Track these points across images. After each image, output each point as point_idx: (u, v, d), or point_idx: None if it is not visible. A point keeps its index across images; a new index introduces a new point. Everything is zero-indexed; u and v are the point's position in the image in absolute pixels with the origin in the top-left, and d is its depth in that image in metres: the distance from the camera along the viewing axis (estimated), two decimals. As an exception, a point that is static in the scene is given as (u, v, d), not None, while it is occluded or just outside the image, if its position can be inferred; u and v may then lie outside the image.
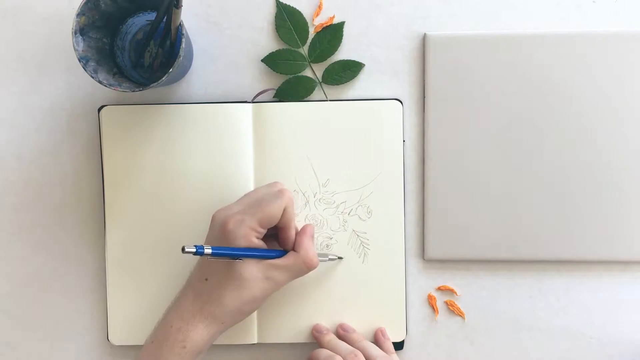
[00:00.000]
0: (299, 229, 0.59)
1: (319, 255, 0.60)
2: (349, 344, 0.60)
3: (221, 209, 0.57)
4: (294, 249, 0.57)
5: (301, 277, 0.58)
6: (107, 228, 0.63)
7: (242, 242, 0.54)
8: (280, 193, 0.56)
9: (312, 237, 0.59)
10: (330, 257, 0.62)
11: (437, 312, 0.64)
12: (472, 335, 0.64)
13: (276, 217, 0.56)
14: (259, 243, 0.56)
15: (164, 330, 0.55)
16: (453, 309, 0.64)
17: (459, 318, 0.64)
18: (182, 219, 0.63)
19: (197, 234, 0.61)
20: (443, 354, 0.65)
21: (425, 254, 0.64)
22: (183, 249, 0.51)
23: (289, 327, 0.63)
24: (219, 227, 0.56)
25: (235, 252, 0.54)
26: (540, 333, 0.64)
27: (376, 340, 0.62)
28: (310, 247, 0.57)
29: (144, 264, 0.63)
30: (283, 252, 0.57)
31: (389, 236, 0.63)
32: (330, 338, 0.61)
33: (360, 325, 0.63)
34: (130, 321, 0.63)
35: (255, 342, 0.63)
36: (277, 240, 0.59)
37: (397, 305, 0.63)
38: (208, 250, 0.52)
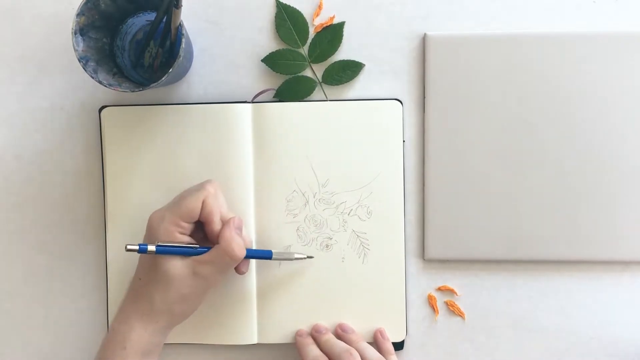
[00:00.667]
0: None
1: (282, 254, 0.60)
2: (347, 344, 0.60)
3: (155, 210, 0.57)
4: (218, 242, 0.57)
5: (230, 271, 0.58)
6: (107, 228, 0.63)
7: (164, 238, 0.55)
8: (200, 186, 0.56)
9: (239, 228, 0.57)
10: (296, 255, 0.61)
11: (437, 312, 0.64)
12: (472, 335, 0.64)
13: (195, 211, 0.55)
14: (184, 239, 0.56)
15: (108, 333, 0.57)
16: (453, 309, 0.64)
17: (459, 318, 0.64)
18: (182, 219, 0.63)
19: (197, 234, 0.61)
20: (443, 354, 0.65)
21: (425, 254, 0.64)
22: (126, 248, 0.53)
23: (289, 327, 0.63)
24: (148, 227, 0.57)
25: (162, 248, 0.54)
26: (540, 333, 0.64)
27: (375, 341, 0.62)
28: (233, 238, 0.55)
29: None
30: (204, 248, 0.57)
31: (389, 236, 0.63)
32: (328, 337, 0.61)
33: (360, 325, 0.63)
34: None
35: (255, 342, 0.63)
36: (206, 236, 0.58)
37: (397, 306, 0.63)
38: (133, 247, 0.54)
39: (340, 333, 0.62)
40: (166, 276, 0.55)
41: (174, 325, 0.57)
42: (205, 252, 0.56)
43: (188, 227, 0.56)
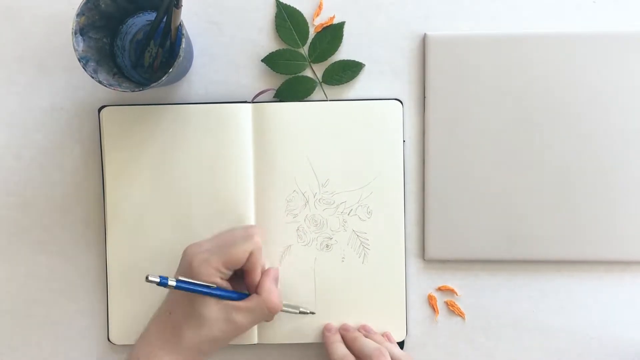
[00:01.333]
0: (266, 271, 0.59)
1: (289, 306, 0.61)
2: None
3: (193, 245, 0.57)
4: (256, 292, 0.57)
5: (266, 320, 0.58)
6: (107, 227, 0.63)
7: (205, 281, 0.55)
8: (249, 237, 0.56)
9: (276, 280, 0.60)
10: (301, 309, 0.62)
11: (437, 312, 0.64)
12: (472, 335, 0.64)
13: (241, 261, 0.56)
14: (223, 284, 0.56)
15: None
16: (453, 309, 0.64)
17: (459, 318, 0.64)
18: (182, 218, 0.63)
19: (197, 233, 0.61)
20: (443, 354, 0.65)
21: (425, 254, 0.64)
22: (147, 278, 0.51)
23: (289, 327, 0.63)
24: (185, 263, 0.56)
25: (199, 288, 0.54)
26: (540, 333, 0.64)
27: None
28: (273, 290, 0.57)
29: (145, 262, 0.63)
30: (246, 295, 0.57)
31: (389, 236, 0.63)
32: (357, 335, 0.61)
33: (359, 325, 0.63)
34: (131, 320, 0.63)
35: (256, 342, 0.63)
36: (244, 283, 0.58)
37: (397, 306, 0.63)
38: (172, 283, 0.53)
39: (365, 334, 0.62)
40: (201, 316, 0.55)
41: None
42: (240, 298, 0.56)
43: (229, 274, 0.56)
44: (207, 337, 0.55)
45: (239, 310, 0.56)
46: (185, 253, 0.57)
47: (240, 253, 0.55)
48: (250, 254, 0.56)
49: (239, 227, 0.59)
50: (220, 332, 0.55)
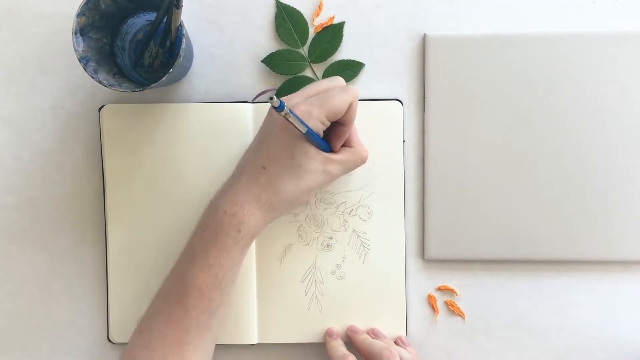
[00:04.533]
0: None
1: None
2: None
3: (284, 98, 0.55)
4: (346, 144, 0.57)
5: None
6: (107, 227, 0.63)
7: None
8: (347, 88, 0.55)
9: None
10: None
11: (437, 312, 0.64)
12: (472, 335, 0.64)
13: (342, 112, 0.54)
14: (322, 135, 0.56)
15: (217, 216, 0.54)
16: (453, 309, 0.64)
17: (459, 318, 0.64)
18: (182, 218, 0.63)
19: (197, 234, 0.61)
20: (443, 354, 0.65)
21: (425, 254, 0.64)
22: (271, 98, 0.48)
23: (289, 327, 0.63)
24: (284, 118, 0.53)
25: (309, 128, 0.53)
26: (540, 333, 0.64)
27: None
28: (361, 142, 0.58)
29: (145, 262, 0.63)
30: (329, 146, 0.57)
31: (389, 236, 0.63)
32: (364, 337, 0.61)
33: (360, 325, 0.63)
34: (131, 319, 0.63)
35: (256, 342, 0.63)
36: (329, 135, 0.57)
37: (397, 305, 0.63)
38: (287, 109, 0.50)
39: (373, 337, 0.62)
40: (300, 169, 0.54)
41: (287, 213, 0.58)
42: (328, 149, 0.56)
43: (328, 124, 0.55)
44: (305, 187, 0.55)
45: (336, 162, 0.56)
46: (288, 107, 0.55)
47: (341, 104, 0.54)
48: (350, 106, 0.55)
49: (324, 80, 0.58)
50: (316, 183, 0.55)
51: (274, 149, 0.55)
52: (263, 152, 0.55)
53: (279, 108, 0.49)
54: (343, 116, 0.55)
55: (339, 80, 0.57)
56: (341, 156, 0.56)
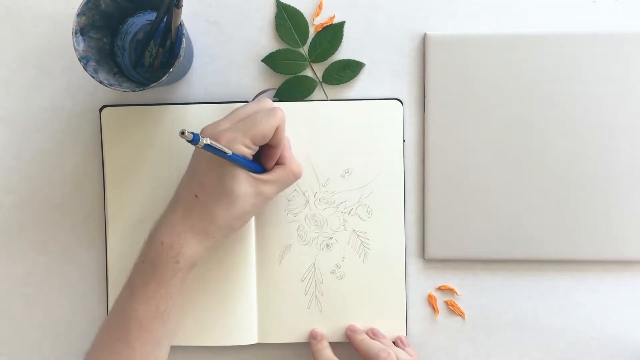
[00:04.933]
0: None
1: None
2: None
3: (208, 126, 0.55)
4: (278, 162, 0.57)
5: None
6: (107, 227, 0.63)
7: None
8: (273, 112, 0.55)
9: (290, 147, 0.59)
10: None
11: (437, 312, 0.64)
12: (472, 335, 0.64)
13: (268, 136, 0.55)
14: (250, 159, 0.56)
15: (155, 248, 0.55)
16: (453, 309, 0.64)
17: (459, 318, 0.64)
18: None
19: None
20: (443, 354, 0.65)
21: (425, 254, 0.64)
22: (181, 133, 0.47)
23: (289, 327, 0.63)
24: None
25: (232, 155, 0.52)
26: (540, 333, 0.64)
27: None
28: (294, 158, 0.58)
29: (144, 263, 0.63)
30: (261, 167, 0.57)
31: (389, 236, 0.63)
32: (363, 337, 0.61)
33: (360, 325, 0.63)
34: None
35: (256, 342, 0.63)
36: (261, 156, 0.57)
37: (397, 305, 0.63)
38: (205, 141, 0.49)
39: (372, 337, 0.62)
40: (232, 195, 0.54)
41: (226, 239, 0.57)
42: (259, 170, 0.56)
43: (256, 149, 0.55)
44: (239, 212, 0.55)
45: (267, 182, 0.56)
46: (203, 134, 0.55)
47: (267, 129, 0.54)
48: (277, 129, 0.55)
49: (251, 103, 0.58)
50: (251, 206, 0.55)
51: (205, 177, 0.55)
52: (195, 181, 0.56)
53: (194, 141, 0.48)
54: (271, 139, 0.55)
55: (265, 103, 0.57)
56: (271, 175, 0.56)
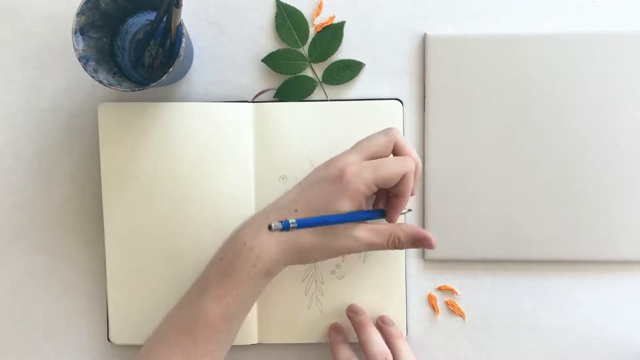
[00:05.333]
0: None
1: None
2: (385, 336, 0.60)
3: (340, 155, 0.54)
4: (389, 219, 0.56)
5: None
6: (105, 227, 0.63)
7: (353, 195, 0.52)
8: (404, 159, 0.53)
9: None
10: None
11: (438, 312, 0.64)
12: (472, 335, 0.64)
13: (393, 182, 0.53)
14: (363, 203, 0.54)
15: (236, 247, 0.53)
16: (453, 309, 0.64)
17: (459, 318, 0.64)
18: (181, 218, 0.62)
19: (197, 232, 0.61)
20: (443, 354, 0.65)
21: (425, 254, 0.64)
22: (270, 227, 0.48)
23: (289, 327, 0.63)
24: (334, 172, 0.53)
25: (325, 220, 0.51)
26: (540, 333, 0.64)
27: (380, 330, 0.61)
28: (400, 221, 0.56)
29: (144, 262, 0.63)
30: (374, 214, 0.55)
31: (389, 236, 0.63)
32: (370, 334, 0.60)
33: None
34: (131, 320, 0.63)
35: (256, 342, 0.63)
36: (387, 207, 0.56)
37: (397, 305, 0.63)
38: (293, 224, 0.49)
39: (381, 324, 0.62)
40: (332, 229, 0.53)
41: (302, 264, 0.56)
42: (369, 218, 0.54)
43: (375, 190, 0.54)
44: (327, 247, 0.53)
45: (377, 232, 0.54)
46: (332, 162, 0.54)
47: (394, 174, 0.52)
48: (404, 178, 0.53)
49: (380, 134, 0.55)
50: (345, 249, 0.54)
51: (315, 198, 0.53)
52: (302, 198, 0.54)
53: (284, 228, 0.48)
54: (397, 187, 0.54)
55: (408, 158, 0.54)
56: (385, 228, 0.54)
